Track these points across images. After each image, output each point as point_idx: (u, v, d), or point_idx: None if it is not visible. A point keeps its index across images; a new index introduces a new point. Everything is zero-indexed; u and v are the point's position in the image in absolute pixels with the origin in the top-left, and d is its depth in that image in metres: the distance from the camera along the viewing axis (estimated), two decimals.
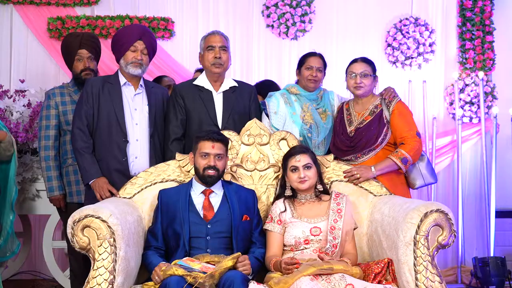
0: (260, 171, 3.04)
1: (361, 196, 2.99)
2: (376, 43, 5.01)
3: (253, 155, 3.05)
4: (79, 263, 3.36)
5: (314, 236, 2.71)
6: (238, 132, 3.09)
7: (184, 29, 4.97)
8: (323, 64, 3.38)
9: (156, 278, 2.46)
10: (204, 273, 2.38)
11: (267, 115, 3.34)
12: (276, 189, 2.99)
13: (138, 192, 2.92)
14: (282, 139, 3.08)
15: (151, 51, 3.23)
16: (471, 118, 4.92)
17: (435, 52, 5.00)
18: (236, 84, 3.31)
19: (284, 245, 2.76)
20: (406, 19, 4.97)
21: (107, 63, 4.52)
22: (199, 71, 3.84)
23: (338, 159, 3.16)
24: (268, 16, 4.94)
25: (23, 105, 4.09)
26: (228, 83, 3.29)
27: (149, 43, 3.19)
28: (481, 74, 4.74)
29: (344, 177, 3.03)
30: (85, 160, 3.06)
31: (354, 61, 3.22)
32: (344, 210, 2.76)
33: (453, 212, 2.54)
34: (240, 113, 3.24)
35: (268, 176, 3.04)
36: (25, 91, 4.23)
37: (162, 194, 2.80)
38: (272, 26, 4.96)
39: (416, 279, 2.40)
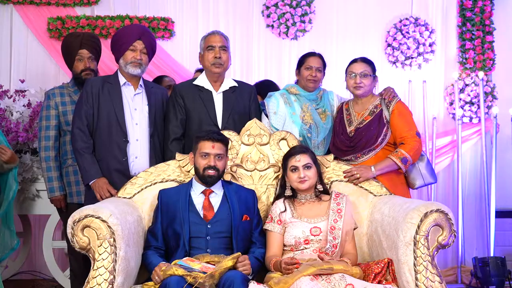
0: (260, 171, 3.04)
1: (361, 196, 2.99)
2: (376, 43, 5.01)
3: (253, 155, 3.05)
4: (79, 263, 3.36)
5: (314, 236, 2.71)
6: (238, 132, 3.09)
7: (184, 29, 4.97)
8: (323, 64, 3.38)
9: (156, 278, 2.46)
10: (204, 273, 2.38)
11: (267, 116, 3.34)
12: (276, 189, 2.99)
13: (138, 192, 2.92)
14: (282, 139, 3.08)
15: (151, 51, 3.23)
16: (471, 118, 4.92)
17: (435, 52, 5.00)
18: (236, 84, 3.31)
19: (284, 245, 2.76)
20: (406, 19, 4.97)
21: (107, 63, 4.52)
22: (199, 71, 3.84)
23: (338, 159, 3.16)
24: (268, 16, 4.94)
25: (23, 105, 4.09)
26: (228, 83, 3.29)
27: (148, 43, 3.19)
28: (481, 74, 4.74)
29: (344, 177, 3.03)
30: (85, 161, 3.06)
31: (354, 61, 3.22)
32: (344, 210, 2.76)
33: (453, 212, 2.54)
34: (240, 113, 3.24)
35: (268, 176, 3.04)
36: (25, 91, 4.23)
37: (162, 194, 2.80)
38: (272, 26, 4.96)
39: (416, 279, 2.40)
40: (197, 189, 2.80)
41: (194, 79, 3.36)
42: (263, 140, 3.07)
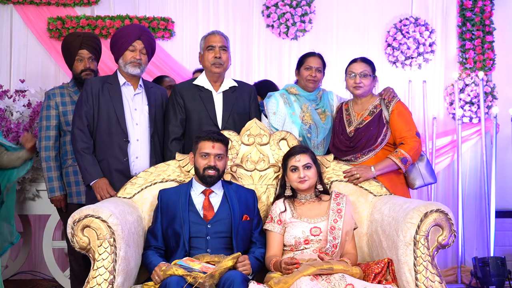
0: (260, 171, 3.04)
1: (361, 196, 2.99)
2: (376, 43, 5.01)
3: (253, 155, 3.05)
4: (79, 263, 3.36)
5: (314, 236, 2.71)
6: (238, 132, 3.09)
7: (184, 29, 4.97)
8: (322, 64, 3.38)
9: (156, 278, 2.47)
10: (204, 273, 2.39)
11: (266, 116, 3.34)
12: (276, 189, 2.99)
13: (138, 192, 2.92)
14: (282, 139, 3.08)
15: (150, 50, 3.23)
16: (471, 118, 4.92)
17: (435, 52, 5.00)
18: (236, 84, 3.31)
19: (284, 245, 2.76)
20: (406, 19, 4.97)
21: (107, 63, 4.52)
22: (199, 71, 3.84)
23: (338, 159, 3.16)
24: (268, 16, 4.94)
25: (23, 105, 4.09)
26: (228, 83, 3.29)
27: (147, 42, 3.19)
28: (481, 74, 4.74)
29: (344, 177, 3.03)
30: (86, 161, 3.06)
31: (354, 61, 3.22)
32: (344, 210, 2.76)
33: (453, 212, 2.54)
34: (240, 113, 3.24)
35: (268, 176, 3.04)
36: (25, 91, 4.23)
37: (162, 194, 2.80)
38: (272, 26, 4.96)
39: (416, 279, 2.40)
40: (197, 189, 2.80)
41: (194, 79, 3.36)
42: (263, 140, 3.07)
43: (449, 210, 2.49)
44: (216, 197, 2.79)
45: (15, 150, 3.53)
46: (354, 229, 2.82)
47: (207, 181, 2.77)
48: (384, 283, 2.45)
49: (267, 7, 4.95)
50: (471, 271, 4.44)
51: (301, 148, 2.89)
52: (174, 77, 4.47)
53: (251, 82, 4.09)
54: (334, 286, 2.34)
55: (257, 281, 2.51)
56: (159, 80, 4.14)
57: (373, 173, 3.03)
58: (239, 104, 3.26)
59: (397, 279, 2.49)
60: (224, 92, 3.25)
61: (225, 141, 2.82)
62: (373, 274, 2.48)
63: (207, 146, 2.75)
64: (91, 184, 3.05)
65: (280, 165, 2.98)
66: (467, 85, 4.94)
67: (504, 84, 5.00)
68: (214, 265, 2.48)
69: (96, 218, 2.41)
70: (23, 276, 4.59)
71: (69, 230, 2.44)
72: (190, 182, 2.84)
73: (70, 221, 2.44)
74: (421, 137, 3.21)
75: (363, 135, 3.16)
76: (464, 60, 4.96)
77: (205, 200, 2.76)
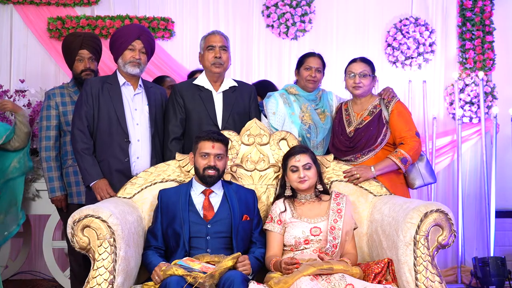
0: (260, 171, 3.04)
1: (361, 196, 2.99)
2: (376, 43, 5.01)
3: (253, 155, 3.06)
4: (79, 263, 3.36)
5: (314, 236, 2.71)
6: (238, 132, 3.09)
7: (184, 29, 4.97)
8: (322, 65, 3.38)
9: (156, 278, 2.47)
10: (204, 273, 2.39)
11: (265, 116, 3.34)
12: (276, 189, 2.99)
13: (138, 192, 2.92)
14: (282, 139, 3.08)
15: (149, 50, 3.23)
16: (471, 118, 4.92)
17: (435, 52, 5.00)
18: (236, 84, 3.31)
19: (284, 245, 2.76)
20: (406, 19, 4.97)
21: (107, 63, 4.52)
22: (199, 71, 3.83)
23: (338, 159, 3.16)
24: (268, 16, 4.94)
25: (23, 105, 4.08)
26: (228, 83, 3.29)
27: (147, 42, 3.18)
28: (481, 74, 4.74)
29: (344, 177, 3.03)
30: (86, 162, 3.06)
31: (353, 61, 3.22)
32: (344, 210, 2.76)
33: (453, 212, 2.55)
34: (240, 113, 3.24)
35: (268, 176, 3.04)
36: (25, 91, 4.23)
37: (162, 194, 2.80)
38: (272, 26, 4.96)
39: (416, 279, 2.40)
40: (197, 189, 2.80)
41: (194, 78, 3.36)
42: (263, 140, 3.07)
43: (449, 210, 2.49)
44: (216, 197, 2.79)
45: (14, 129, 3.59)
46: (354, 229, 2.82)
47: (207, 181, 2.77)
48: (384, 283, 2.45)
49: (267, 7, 4.95)
50: (471, 271, 4.45)
51: (301, 148, 2.89)
52: (174, 77, 4.47)
53: (251, 82, 4.09)
54: (334, 286, 2.34)
55: (257, 281, 2.51)
56: (160, 80, 4.14)
57: (373, 173, 3.03)
58: (239, 104, 3.26)
59: (397, 279, 2.49)
60: (224, 92, 3.25)
61: (225, 141, 2.82)
62: (373, 274, 2.48)
63: (207, 146, 2.75)
64: (91, 185, 3.05)
65: (280, 165, 2.98)
66: (467, 85, 4.94)
67: (504, 84, 5.00)
68: (214, 265, 2.48)
69: (96, 218, 2.41)
70: (23, 276, 4.60)
71: (69, 230, 2.44)
72: (190, 182, 2.84)
73: (70, 221, 2.44)
74: (421, 137, 3.21)
75: (363, 135, 3.15)
76: (464, 60, 4.96)
77: (205, 200, 2.76)
